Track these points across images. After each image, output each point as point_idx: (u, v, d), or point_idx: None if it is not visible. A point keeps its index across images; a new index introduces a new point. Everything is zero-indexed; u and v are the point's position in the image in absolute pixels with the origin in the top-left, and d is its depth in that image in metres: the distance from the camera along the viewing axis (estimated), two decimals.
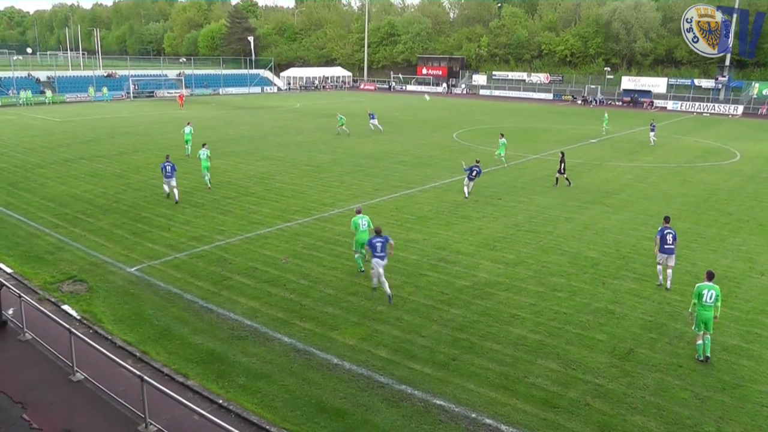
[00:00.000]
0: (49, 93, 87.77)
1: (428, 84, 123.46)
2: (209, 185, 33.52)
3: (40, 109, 78.83)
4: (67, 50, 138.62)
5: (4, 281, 17.91)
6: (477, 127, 61.67)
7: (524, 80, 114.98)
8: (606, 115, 64.12)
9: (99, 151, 45.38)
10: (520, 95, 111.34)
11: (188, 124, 45.48)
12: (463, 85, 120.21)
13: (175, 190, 30.69)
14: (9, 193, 32.59)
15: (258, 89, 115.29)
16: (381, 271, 18.97)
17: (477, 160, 33.94)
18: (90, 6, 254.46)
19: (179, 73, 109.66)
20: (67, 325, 14.71)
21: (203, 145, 34.52)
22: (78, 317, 17.84)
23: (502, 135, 41.73)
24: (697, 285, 16.05)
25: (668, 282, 20.34)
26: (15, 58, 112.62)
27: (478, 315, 18.00)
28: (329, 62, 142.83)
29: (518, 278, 20.88)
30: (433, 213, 28.97)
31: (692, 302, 16.07)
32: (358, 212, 21.38)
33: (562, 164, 35.10)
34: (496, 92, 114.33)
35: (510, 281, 20.60)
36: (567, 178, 35.50)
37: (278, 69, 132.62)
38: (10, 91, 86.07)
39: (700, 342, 15.91)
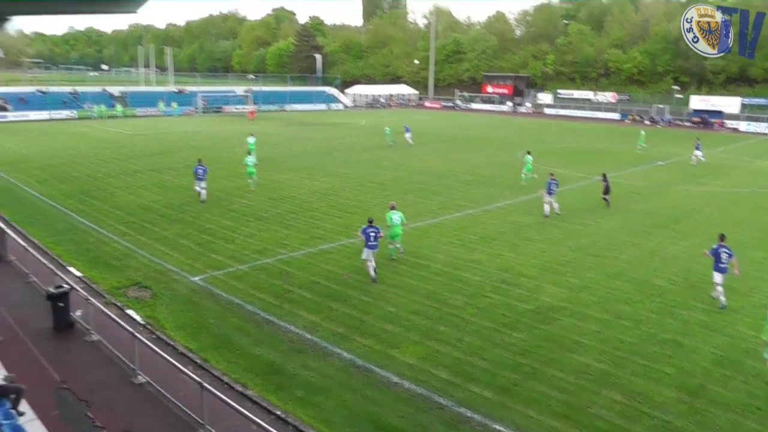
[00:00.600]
0: (119, 107, 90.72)
1: (493, 102, 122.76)
2: (253, 187, 36.93)
3: (112, 122, 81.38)
4: (139, 67, 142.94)
5: (73, 284, 18.47)
6: (542, 146, 60.69)
7: (590, 99, 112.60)
8: (642, 132, 62.36)
9: (167, 163, 46.50)
10: (585, 114, 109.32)
11: (251, 135, 49.33)
12: (529, 104, 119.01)
13: (203, 191, 33.74)
14: (81, 201, 33.67)
15: (324, 106, 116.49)
16: (371, 257, 21.41)
17: (551, 173, 33.44)
18: (163, 25, 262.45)
19: (247, 90, 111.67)
20: (131, 330, 15.06)
21: (249, 153, 38.29)
22: (142, 322, 18.21)
23: (529, 152, 42.13)
24: None
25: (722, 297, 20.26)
26: (91, 74, 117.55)
27: (541, 340, 17.58)
28: (395, 80, 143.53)
29: (582, 304, 20.35)
30: (497, 234, 28.60)
31: (765, 328, 15.55)
32: (392, 208, 23.84)
33: (605, 184, 34.96)
34: (562, 111, 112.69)
35: (574, 307, 20.08)
36: (605, 199, 35.13)
37: (344, 86, 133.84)
38: (85, 105, 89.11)
39: None
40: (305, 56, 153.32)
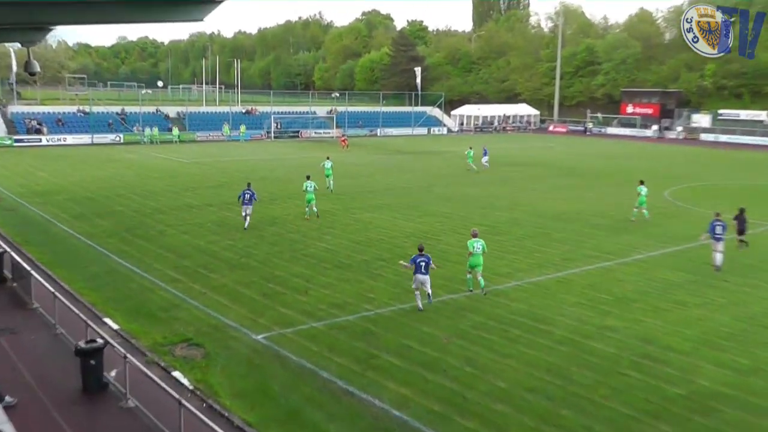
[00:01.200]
0: (176, 130, 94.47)
1: (634, 125, 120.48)
2: (307, 216, 40.37)
3: (166, 148, 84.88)
4: (202, 83, 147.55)
5: (108, 338, 18.97)
6: (696, 183, 59.61)
7: (762, 121, 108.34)
8: None
9: (230, 197, 47.14)
10: (756, 141, 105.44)
11: (327, 158, 52.29)
12: (680, 128, 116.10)
13: (248, 218, 37.19)
14: (123, 240, 34.93)
15: (423, 130, 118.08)
16: (427, 283, 24.53)
17: (717, 213, 32.70)
18: (231, 34, 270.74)
19: (330, 110, 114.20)
20: (177, 396, 15.23)
21: (307, 177, 40.98)
22: (190, 387, 18.44)
23: (642, 182, 43.14)
24: None
25: None
26: (144, 92, 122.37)
27: None
28: (512, 98, 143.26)
29: (754, 392, 19.15)
30: (637, 294, 27.80)
31: None
32: (474, 236, 26.90)
33: (741, 223, 34.46)
34: (723, 137, 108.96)
35: (743, 395, 18.92)
36: (742, 240, 34.70)
37: (449, 106, 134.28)
38: (134, 128, 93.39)
39: None
40: (402, 70, 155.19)
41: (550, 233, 38.66)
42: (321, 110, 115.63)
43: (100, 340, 18.42)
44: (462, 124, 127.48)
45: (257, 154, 78.59)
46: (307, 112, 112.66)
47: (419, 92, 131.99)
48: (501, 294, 26.99)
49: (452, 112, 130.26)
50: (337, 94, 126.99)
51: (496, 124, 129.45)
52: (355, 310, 24.79)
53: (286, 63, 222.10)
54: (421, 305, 24.68)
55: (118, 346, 18.48)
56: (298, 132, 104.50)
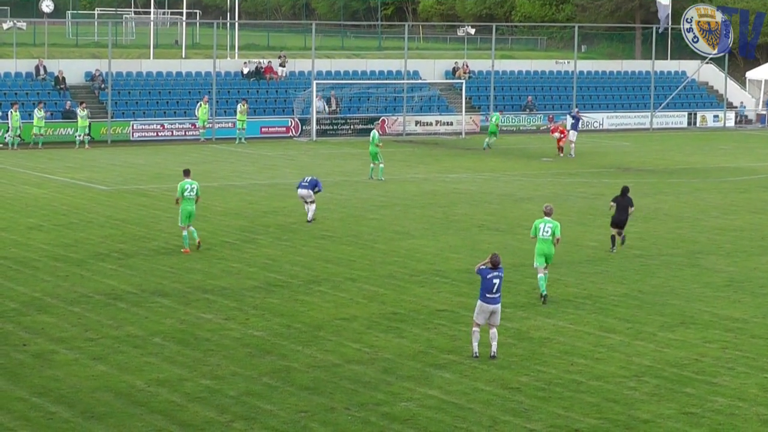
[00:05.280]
0: (83, 116, 79.70)
1: None
2: (186, 248, 41.40)
3: (57, 156, 78.03)
4: (149, 6, 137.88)
5: None
6: None
7: None
8: None
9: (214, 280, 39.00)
10: None
11: (375, 129, 65.59)
12: None
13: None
14: None
15: (679, 116, 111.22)
16: (497, 316, 26.98)
17: None
18: None
19: (454, 69, 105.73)
20: None
21: (185, 173, 43.22)
22: None
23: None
24: None
25: None
26: (8, 25, 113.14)
27: None
28: None
29: None
30: None
31: None
32: (547, 214, 33.78)
33: None
34: None
35: None
36: None
37: (741, 61, 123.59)
38: None
39: None
40: None
41: None
42: (430, 68, 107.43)
43: None
44: None
45: (279, 174, 69.95)
46: (397, 72, 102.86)
47: (667, 25, 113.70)
48: None
49: (748, 75, 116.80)
50: (471, 31, 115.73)
51: None
52: None
53: None
54: (476, 350, 26.53)
55: None
56: (378, 119, 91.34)
